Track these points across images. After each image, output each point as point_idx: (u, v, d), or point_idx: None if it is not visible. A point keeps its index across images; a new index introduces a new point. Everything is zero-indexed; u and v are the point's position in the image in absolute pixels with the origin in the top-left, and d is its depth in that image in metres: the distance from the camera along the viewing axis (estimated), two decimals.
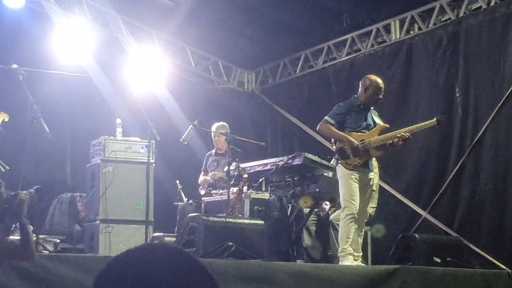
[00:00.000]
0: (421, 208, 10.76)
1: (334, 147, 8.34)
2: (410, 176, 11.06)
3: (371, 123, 8.34)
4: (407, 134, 8.07)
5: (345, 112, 8.29)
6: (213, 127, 10.40)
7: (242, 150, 9.93)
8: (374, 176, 8.48)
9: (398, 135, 8.05)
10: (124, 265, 1.58)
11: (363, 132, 8.23)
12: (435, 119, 8.21)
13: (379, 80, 8.37)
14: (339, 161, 8.21)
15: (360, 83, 8.44)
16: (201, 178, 10.46)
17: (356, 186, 8.06)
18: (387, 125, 8.36)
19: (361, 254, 8.27)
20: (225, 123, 10.51)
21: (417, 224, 10.74)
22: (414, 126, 8.31)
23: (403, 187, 11.07)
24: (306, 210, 9.47)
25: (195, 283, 1.54)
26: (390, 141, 8.11)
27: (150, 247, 1.68)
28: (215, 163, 10.41)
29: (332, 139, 8.52)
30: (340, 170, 8.20)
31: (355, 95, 8.42)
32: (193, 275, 1.55)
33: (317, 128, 8.58)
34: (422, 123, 8.35)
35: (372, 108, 8.44)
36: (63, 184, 11.17)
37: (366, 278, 7.27)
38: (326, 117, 8.34)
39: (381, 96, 8.35)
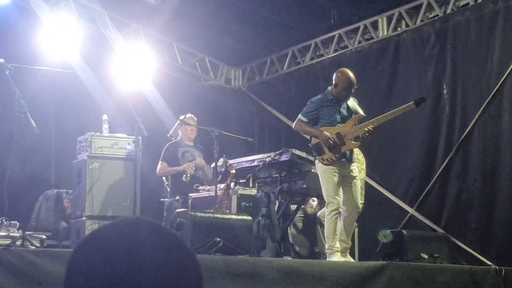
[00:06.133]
0: (408, 205, 10.77)
1: (310, 144, 8.26)
2: (397, 172, 11.06)
3: (346, 114, 8.14)
4: (370, 127, 7.93)
5: (317, 108, 8.14)
6: (184, 117, 10.14)
7: (229, 146, 9.85)
8: (355, 167, 8.23)
9: (366, 129, 7.93)
10: (100, 240, 1.45)
11: (339, 126, 8.08)
12: (412, 101, 8.08)
13: (350, 76, 8.07)
14: (316, 158, 8.14)
15: (333, 76, 8.24)
16: (164, 168, 10.24)
17: (337, 181, 7.90)
18: (363, 115, 8.17)
19: (350, 245, 8.18)
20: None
21: (404, 221, 10.76)
22: (392, 111, 8.16)
23: (390, 184, 11.07)
24: (294, 207, 9.48)
25: (179, 263, 1.42)
26: (363, 133, 7.96)
27: (129, 221, 1.52)
28: (188, 154, 10.27)
29: (309, 136, 8.41)
30: (319, 166, 8.08)
31: (329, 88, 8.22)
32: (177, 254, 1.43)
33: (293, 127, 8.50)
34: (400, 108, 8.21)
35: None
36: (49, 181, 11.12)
37: (354, 274, 7.25)
38: (299, 115, 8.23)
39: (352, 91, 8.10)
